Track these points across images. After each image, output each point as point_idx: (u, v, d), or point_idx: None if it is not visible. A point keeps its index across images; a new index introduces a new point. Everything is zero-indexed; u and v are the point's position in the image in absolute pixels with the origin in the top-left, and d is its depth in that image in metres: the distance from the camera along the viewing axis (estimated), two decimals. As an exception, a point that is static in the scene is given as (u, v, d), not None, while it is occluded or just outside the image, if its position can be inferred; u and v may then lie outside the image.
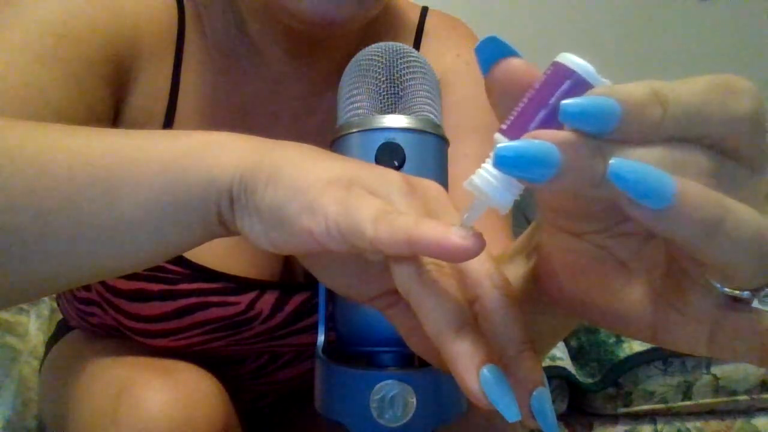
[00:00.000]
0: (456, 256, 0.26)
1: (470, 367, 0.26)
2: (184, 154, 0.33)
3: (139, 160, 0.34)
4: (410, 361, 0.39)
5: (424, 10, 0.67)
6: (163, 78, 0.56)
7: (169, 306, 0.57)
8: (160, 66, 0.55)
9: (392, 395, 0.35)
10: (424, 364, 0.39)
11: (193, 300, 0.58)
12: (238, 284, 0.58)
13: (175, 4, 0.57)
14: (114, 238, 0.34)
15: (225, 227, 0.33)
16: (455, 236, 0.25)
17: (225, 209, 0.32)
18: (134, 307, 0.58)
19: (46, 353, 0.75)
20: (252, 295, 0.59)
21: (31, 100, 0.45)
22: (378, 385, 0.35)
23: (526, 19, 2.06)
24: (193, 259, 0.57)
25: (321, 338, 0.40)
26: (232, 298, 0.58)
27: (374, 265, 0.31)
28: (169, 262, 0.57)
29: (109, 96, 0.52)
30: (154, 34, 0.55)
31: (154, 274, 0.57)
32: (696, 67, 2.21)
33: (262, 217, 0.31)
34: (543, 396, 0.27)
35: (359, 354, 0.39)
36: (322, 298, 0.43)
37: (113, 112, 0.53)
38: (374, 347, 0.38)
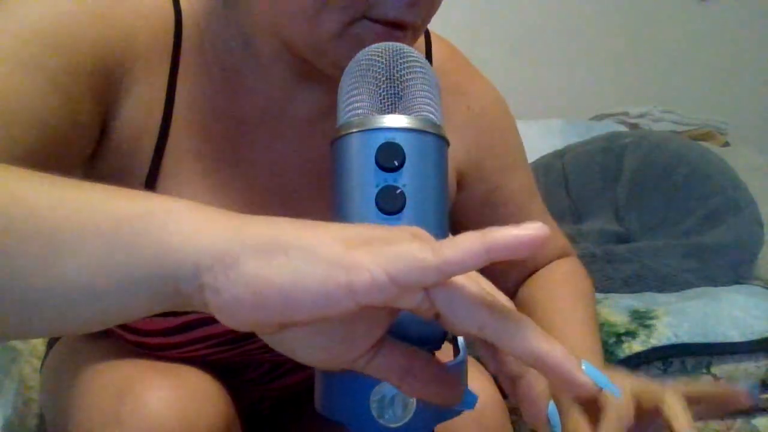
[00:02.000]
0: (534, 246, 0.27)
1: (575, 365, 0.28)
2: (139, 216, 0.31)
3: (89, 218, 0.31)
4: (410, 361, 0.39)
5: (427, 36, 0.65)
6: (157, 91, 0.54)
7: (172, 322, 0.57)
8: (154, 78, 0.53)
9: (392, 395, 0.35)
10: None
11: (196, 315, 0.57)
12: None
13: (172, 15, 0.55)
14: (52, 300, 0.31)
15: (182, 299, 0.31)
16: (529, 228, 0.27)
17: (186, 282, 0.30)
18: (134, 322, 0.57)
19: (47, 352, 0.75)
20: None
21: (11, 109, 0.44)
22: (378, 385, 0.35)
23: (526, 20, 2.06)
24: None
25: (321, 338, 0.40)
26: None
27: (359, 327, 0.31)
28: None
29: (97, 108, 0.50)
30: (149, 45, 0.53)
31: None
32: (696, 68, 2.21)
33: (253, 288, 0.28)
34: (554, 405, 0.33)
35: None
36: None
37: (101, 125, 0.52)
38: (374, 347, 0.38)
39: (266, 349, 0.61)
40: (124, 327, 0.58)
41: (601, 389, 0.29)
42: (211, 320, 0.57)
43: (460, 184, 0.67)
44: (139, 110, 0.53)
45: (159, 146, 0.54)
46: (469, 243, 0.28)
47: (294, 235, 0.29)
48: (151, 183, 0.54)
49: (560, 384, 0.29)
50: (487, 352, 0.34)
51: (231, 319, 0.30)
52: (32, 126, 0.44)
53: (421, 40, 0.64)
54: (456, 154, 0.65)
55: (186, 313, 0.56)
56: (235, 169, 0.56)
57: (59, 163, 0.47)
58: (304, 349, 0.32)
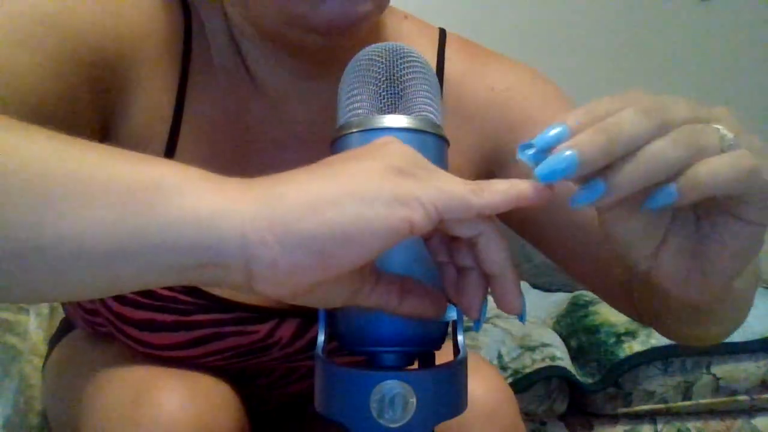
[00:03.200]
0: (543, 198, 0.33)
1: (519, 290, 0.34)
2: (153, 182, 0.29)
3: (92, 177, 0.29)
4: (410, 361, 0.39)
5: (443, 35, 0.63)
6: (166, 96, 0.52)
7: (182, 337, 0.56)
8: (163, 83, 0.52)
9: (392, 395, 0.35)
10: (424, 364, 0.39)
11: (207, 331, 0.56)
12: (256, 313, 0.56)
13: (182, 21, 0.53)
14: (48, 262, 0.29)
15: (209, 272, 0.30)
16: (541, 185, 0.32)
17: (229, 256, 0.29)
18: (144, 335, 0.57)
19: (49, 351, 0.75)
20: (271, 323, 0.58)
21: (3, 85, 0.42)
22: (378, 385, 0.35)
23: (527, 20, 2.06)
24: (208, 290, 0.55)
25: (321, 338, 0.40)
26: (250, 328, 0.57)
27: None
28: (181, 292, 0.54)
29: (96, 101, 0.48)
30: (159, 49, 0.51)
31: (164, 304, 0.55)
32: (696, 68, 2.21)
33: (317, 247, 0.29)
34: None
35: (359, 354, 0.39)
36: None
37: (101, 120, 0.50)
38: (374, 347, 0.38)
39: (279, 360, 0.61)
40: (135, 340, 0.57)
41: (520, 316, 0.35)
42: (223, 335, 0.58)
43: (502, 160, 0.61)
44: (148, 112, 0.52)
45: (168, 150, 0.53)
46: (503, 188, 0.32)
47: (336, 183, 0.30)
48: None
49: (500, 296, 0.34)
50: (442, 242, 0.36)
51: (282, 288, 0.30)
52: (25, 105, 0.42)
53: (435, 42, 0.63)
54: (481, 137, 0.61)
55: (198, 327, 0.56)
56: (243, 177, 0.55)
57: None
58: (333, 296, 0.33)
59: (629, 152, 0.30)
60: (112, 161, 0.31)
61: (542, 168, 0.31)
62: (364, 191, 0.30)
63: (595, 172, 0.31)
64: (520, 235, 0.65)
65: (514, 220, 0.64)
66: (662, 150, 0.30)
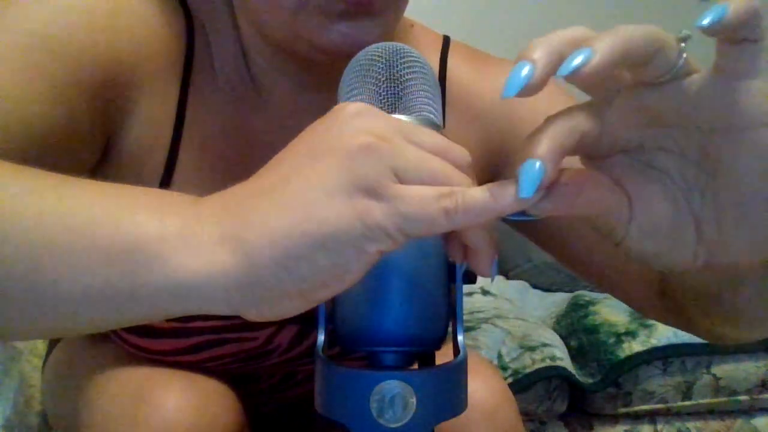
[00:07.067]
0: (522, 207, 0.31)
1: (491, 256, 0.34)
2: (136, 244, 0.31)
3: (80, 236, 0.31)
4: (410, 361, 0.39)
5: (446, 43, 0.63)
6: (168, 106, 0.52)
7: (181, 343, 0.57)
8: (165, 94, 0.52)
9: (392, 395, 0.35)
10: (424, 364, 0.39)
11: (206, 337, 0.57)
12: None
13: (184, 31, 0.53)
14: (47, 314, 0.32)
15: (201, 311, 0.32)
16: (523, 193, 0.30)
17: (219, 310, 0.32)
18: (143, 342, 0.57)
19: (48, 351, 0.75)
20: (270, 330, 0.58)
21: (8, 114, 0.42)
22: (378, 385, 0.35)
23: (525, 18, 2.06)
24: None
25: (321, 338, 0.40)
26: (248, 334, 0.58)
27: None
28: None
29: (101, 120, 0.49)
30: (160, 60, 0.51)
31: None
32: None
33: (300, 298, 0.31)
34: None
35: (359, 354, 0.39)
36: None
37: (105, 137, 0.50)
38: (374, 347, 0.38)
39: (278, 365, 0.61)
40: (134, 346, 0.58)
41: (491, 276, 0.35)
42: (222, 341, 0.58)
43: (508, 156, 0.61)
44: (149, 126, 0.52)
45: (169, 163, 0.53)
46: (481, 205, 0.30)
47: (295, 219, 0.30)
48: None
49: (473, 263, 0.34)
50: None
51: (276, 318, 0.32)
52: (30, 134, 0.43)
53: (438, 49, 0.62)
54: (486, 136, 0.61)
55: (197, 334, 0.57)
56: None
57: (57, 171, 0.46)
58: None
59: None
60: (92, 214, 0.32)
61: (565, 66, 0.30)
62: (329, 235, 0.29)
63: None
64: (524, 235, 0.64)
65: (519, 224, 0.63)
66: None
